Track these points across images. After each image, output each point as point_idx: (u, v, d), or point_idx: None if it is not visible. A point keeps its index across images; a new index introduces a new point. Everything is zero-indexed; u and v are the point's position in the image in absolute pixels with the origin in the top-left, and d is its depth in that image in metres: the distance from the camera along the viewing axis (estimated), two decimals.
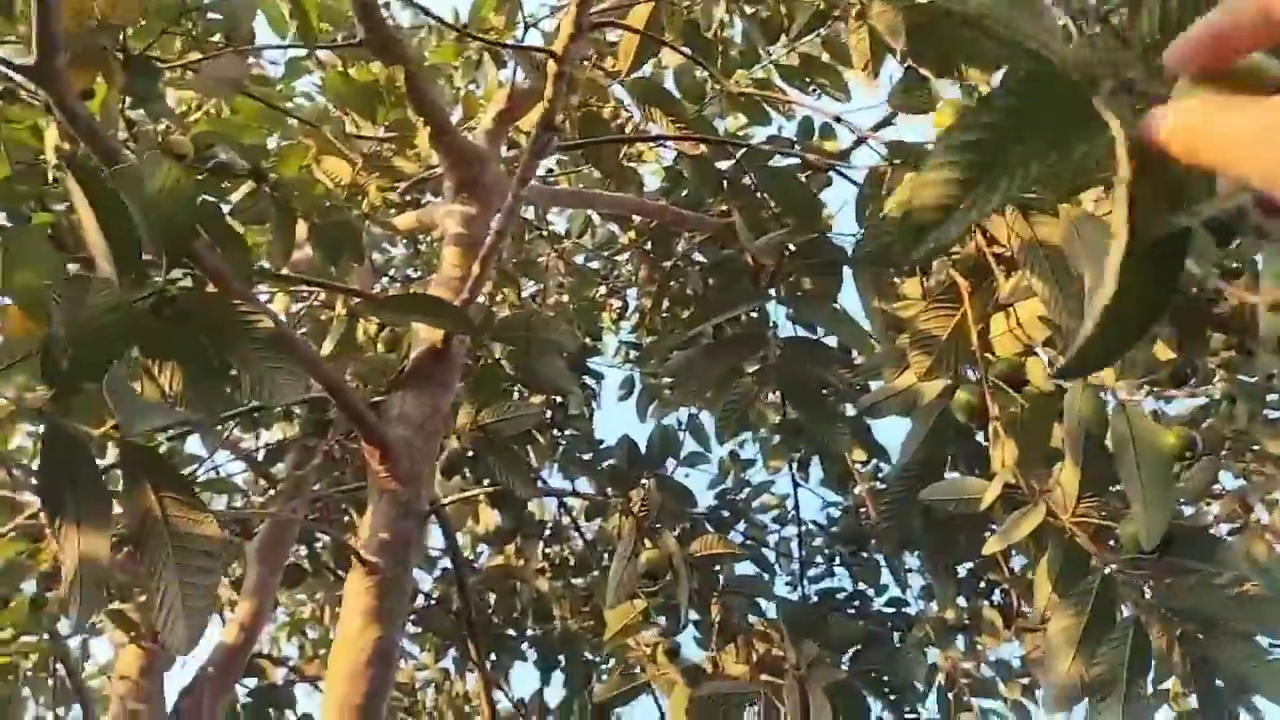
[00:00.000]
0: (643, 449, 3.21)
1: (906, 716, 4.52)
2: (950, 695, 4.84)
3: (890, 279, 1.96)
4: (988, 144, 0.61)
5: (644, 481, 2.64)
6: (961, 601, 4.70)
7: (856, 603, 5.30)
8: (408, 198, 4.33)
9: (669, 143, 4.62)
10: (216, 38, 3.02)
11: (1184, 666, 1.50)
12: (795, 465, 5.35)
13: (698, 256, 4.90)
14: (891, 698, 3.62)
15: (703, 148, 3.16)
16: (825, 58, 3.74)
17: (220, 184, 2.58)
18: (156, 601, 1.14)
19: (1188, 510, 4.00)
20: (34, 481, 3.17)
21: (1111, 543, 1.52)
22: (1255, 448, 3.40)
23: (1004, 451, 1.66)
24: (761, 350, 2.19)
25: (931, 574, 4.78)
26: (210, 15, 3.02)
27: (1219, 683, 1.47)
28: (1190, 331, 1.63)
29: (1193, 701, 1.62)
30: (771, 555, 5.66)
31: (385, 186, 3.59)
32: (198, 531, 1.16)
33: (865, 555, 5.56)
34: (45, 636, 3.83)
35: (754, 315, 2.53)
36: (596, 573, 5.10)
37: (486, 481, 3.06)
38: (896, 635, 5.08)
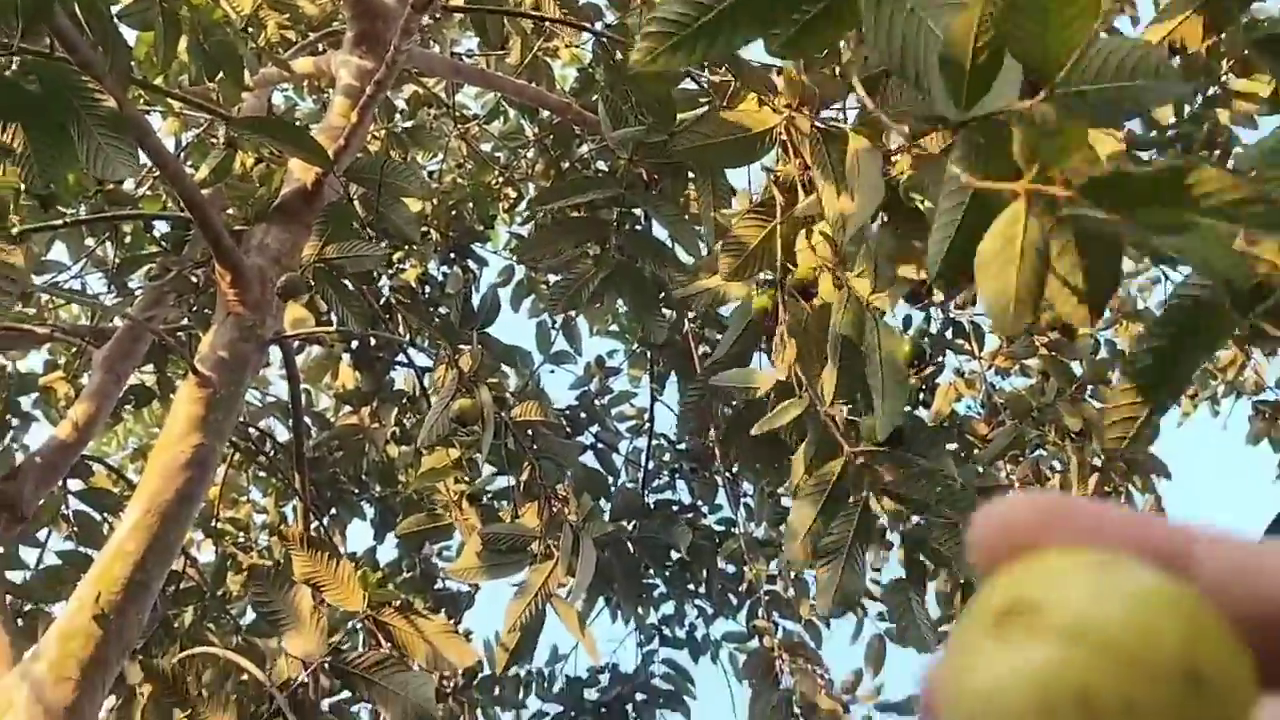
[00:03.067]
0: (475, 308, 3.32)
1: (687, 587, 4.85)
2: (759, 610, 5.18)
3: (726, 187, 2.12)
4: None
5: (472, 338, 2.77)
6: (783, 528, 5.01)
7: (689, 515, 5.60)
8: (319, 48, 4.31)
9: (573, 36, 4.68)
10: None
11: (900, 543, 1.72)
12: (652, 379, 5.56)
13: (600, 166, 5.01)
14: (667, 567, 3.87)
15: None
16: None
17: None
18: None
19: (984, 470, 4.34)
20: None
21: (854, 435, 1.72)
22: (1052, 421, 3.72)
23: (787, 351, 1.85)
24: (605, 235, 2.33)
25: (753, 493, 5.08)
26: None
27: (924, 559, 1.70)
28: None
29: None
30: (620, 461, 5.92)
31: (285, 24, 3.60)
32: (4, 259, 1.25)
33: (706, 475, 5.84)
34: None
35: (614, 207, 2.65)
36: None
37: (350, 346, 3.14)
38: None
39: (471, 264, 5.32)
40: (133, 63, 2.85)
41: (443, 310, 4.78)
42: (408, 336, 4.61)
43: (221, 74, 2.72)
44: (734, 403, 2.33)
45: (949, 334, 4.45)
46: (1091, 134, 0.77)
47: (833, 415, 1.72)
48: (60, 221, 2.86)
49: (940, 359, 4.45)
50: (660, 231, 2.61)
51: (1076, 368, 4.01)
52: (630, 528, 3.38)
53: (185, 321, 3.67)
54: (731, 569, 5.41)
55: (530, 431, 2.60)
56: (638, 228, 2.41)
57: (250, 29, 3.45)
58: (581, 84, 4.91)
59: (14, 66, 1.47)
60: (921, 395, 4.73)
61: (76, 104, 1.42)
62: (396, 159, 3.94)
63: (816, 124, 1.66)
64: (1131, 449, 1.24)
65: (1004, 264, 0.74)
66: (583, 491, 2.45)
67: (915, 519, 1.73)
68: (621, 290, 2.33)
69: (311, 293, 2.52)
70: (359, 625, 2.29)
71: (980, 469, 4.52)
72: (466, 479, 2.61)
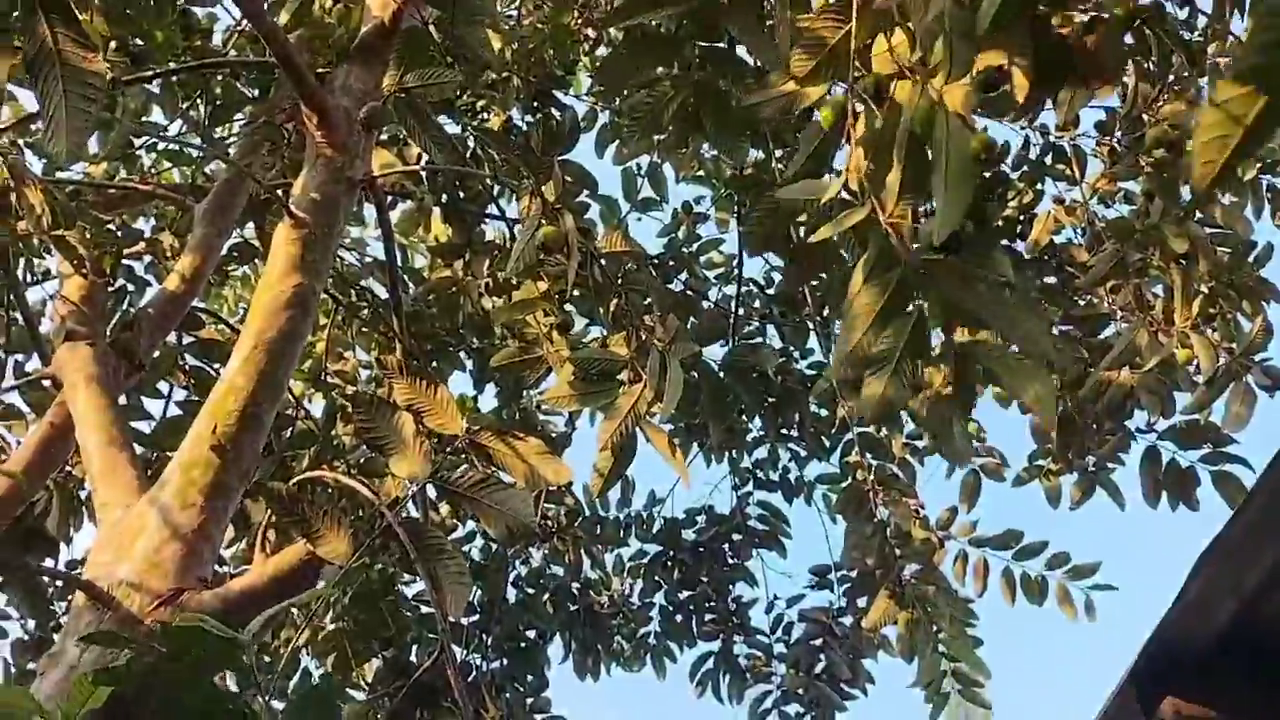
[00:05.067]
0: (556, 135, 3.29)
1: (780, 430, 4.91)
2: (852, 449, 5.23)
3: None
4: None
5: (553, 163, 2.77)
6: None
7: (782, 359, 5.61)
8: None
9: None
10: None
11: (950, 356, 1.70)
12: (739, 224, 5.50)
13: None
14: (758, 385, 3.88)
15: None
16: None
17: None
18: (45, 117, 1.30)
19: (1086, 300, 4.23)
20: None
21: (916, 246, 1.69)
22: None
23: (854, 158, 1.81)
24: (683, 53, 2.28)
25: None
26: None
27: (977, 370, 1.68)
28: (1047, 71, 1.74)
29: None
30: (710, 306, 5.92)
31: None
32: (86, 66, 1.29)
33: (796, 319, 5.82)
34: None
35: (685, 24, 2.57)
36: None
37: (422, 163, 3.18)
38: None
39: (554, 110, 5.28)
40: None
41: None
42: (491, 175, 4.62)
43: None
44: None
45: (1049, 159, 4.28)
46: None
47: (894, 224, 1.68)
48: (151, 73, 2.91)
49: (1039, 186, 4.30)
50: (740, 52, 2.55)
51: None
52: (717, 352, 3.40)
53: (278, 173, 3.75)
54: (824, 412, 5.44)
55: (616, 263, 2.61)
56: (717, 46, 2.35)
57: None
58: None
59: None
60: (1020, 227, 4.60)
61: None
62: None
63: None
64: (1222, 184, 1.18)
65: None
66: (666, 313, 2.46)
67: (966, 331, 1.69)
68: (702, 111, 2.30)
69: (393, 122, 2.54)
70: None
71: (1079, 301, 4.41)
72: (555, 311, 2.66)
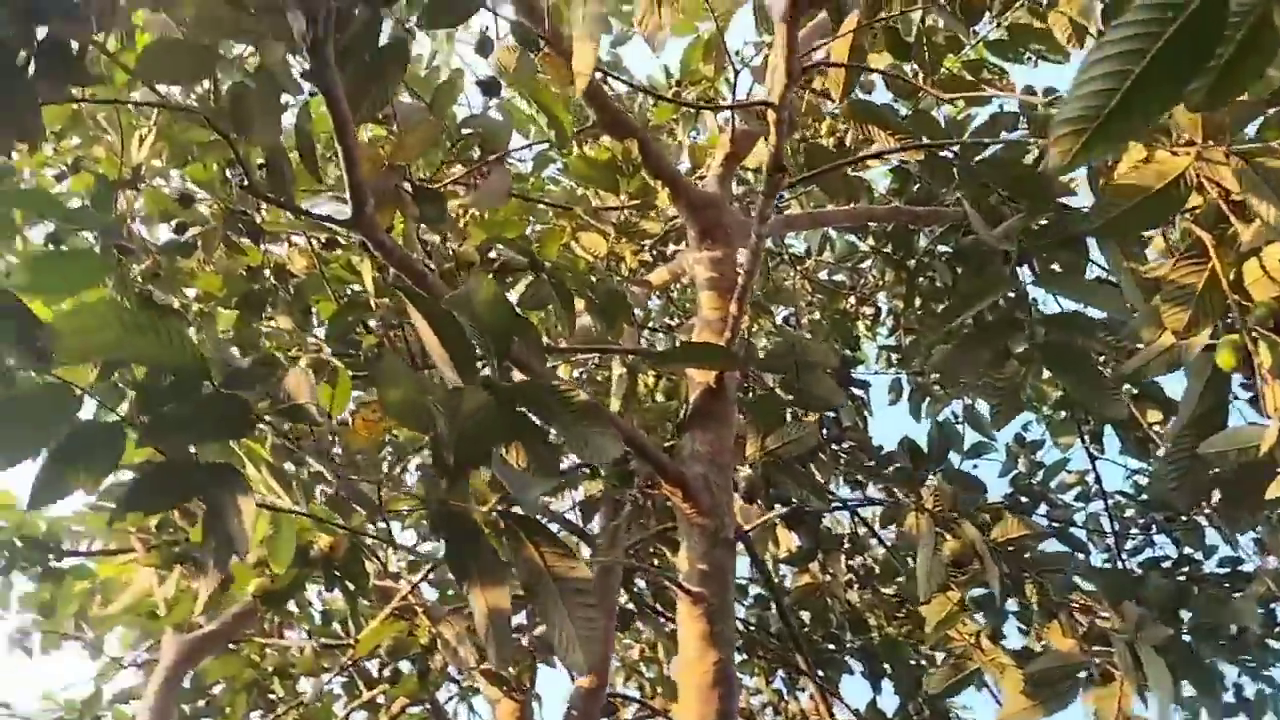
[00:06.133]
0: (923, 447, 3.30)
1: (1247, 666, 4.28)
2: None
3: (1134, 241, 2.00)
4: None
5: (931, 477, 2.73)
6: None
7: (1185, 568, 5.06)
8: (654, 254, 4.65)
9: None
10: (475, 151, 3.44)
11: None
12: (1087, 439, 5.19)
13: (941, 249, 4.92)
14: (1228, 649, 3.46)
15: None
16: (1035, 24, 3.73)
17: (505, 280, 2.96)
18: (555, 638, 1.41)
19: None
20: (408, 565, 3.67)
21: None
22: None
23: (1275, 395, 1.67)
24: (1023, 330, 2.26)
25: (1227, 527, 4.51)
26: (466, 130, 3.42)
27: None
28: None
29: None
30: (1083, 534, 5.51)
31: (636, 249, 3.92)
32: (575, 575, 1.42)
33: (1185, 518, 5.30)
34: (428, 705, 4.37)
35: (1009, 297, 2.59)
36: (902, 578, 5.16)
37: (778, 505, 3.25)
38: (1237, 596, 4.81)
39: (857, 391, 5.34)
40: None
41: (847, 444, 4.80)
42: (829, 481, 4.66)
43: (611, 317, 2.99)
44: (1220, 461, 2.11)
45: None
46: None
47: None
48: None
49: None
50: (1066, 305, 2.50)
51: None
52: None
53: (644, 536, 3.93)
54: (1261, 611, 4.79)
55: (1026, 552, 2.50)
56: (1046, 311, 2.32)
57: (610, 265, 3.80)
58: (899, 183, 4.92)
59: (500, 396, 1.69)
60: None
61: (557, 410, 1.62)
62: (765, 324, 4.08)
63: (1231, 150, 1.55)
64: None
65: None
66: (1117, 598, 2.28)
67: None
68: (1061, 374, 2.24)
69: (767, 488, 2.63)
70: None
71: None
72: (977, 619, 2.54)
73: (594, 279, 2.83)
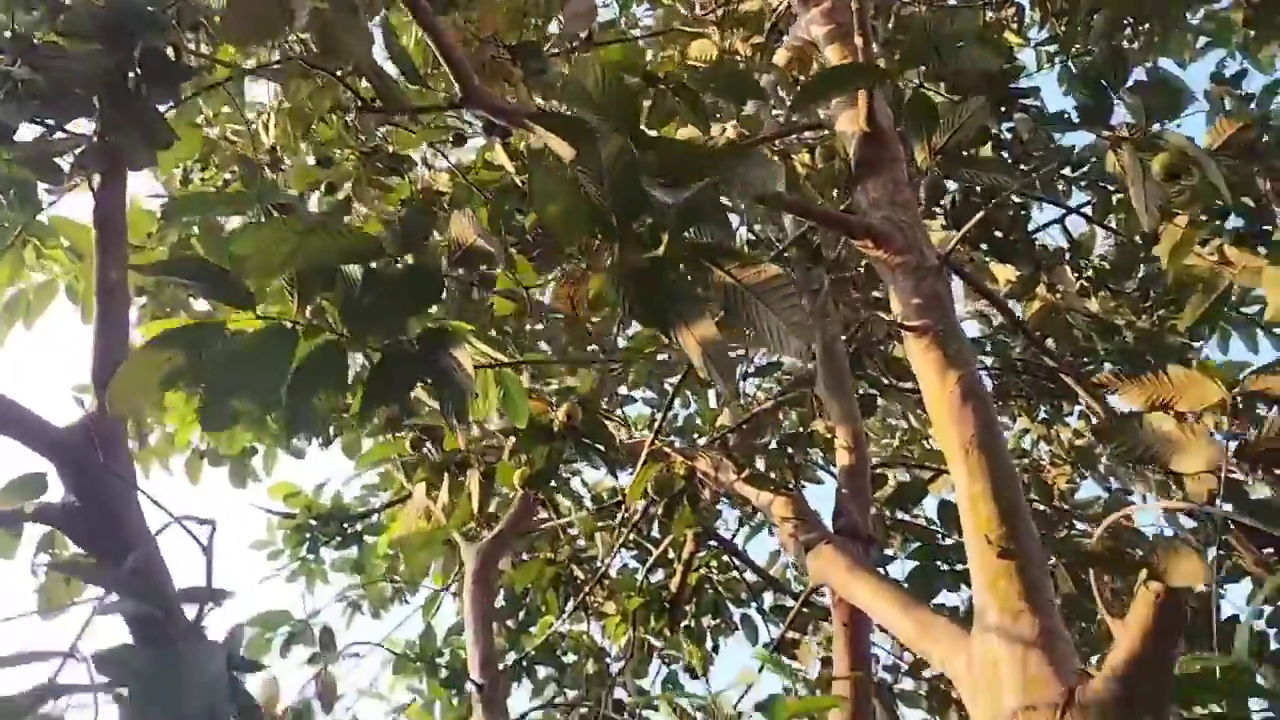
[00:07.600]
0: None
1: None
2: None
3: None
4: None
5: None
6: None
7: None
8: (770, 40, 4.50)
9: None
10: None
11: None
12: None
13: None
14: None
15: None
16: None
17: None
18: (765, 339, 1.43)
19: None
20: None
21: None
22: None
23: None
24: None
25: None
26: None
27: None
28: None
29: None
30: None
31: (746, 36, 3.81)
32: (766, 276, 1.43)
33: None
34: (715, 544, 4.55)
35: None
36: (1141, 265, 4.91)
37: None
38: None
39: (1025, 101, 5.03)
40: None
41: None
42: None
43: None
44: None
45: None
46: None
47: None
48: None
49: None
50: None
51: None
52: None
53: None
54: None
55: None
56: None
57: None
58: None
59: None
60: None
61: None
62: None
63: None
64: None
65: None
66: None
67: None
68: None
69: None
70: None
71: None
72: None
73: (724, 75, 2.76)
